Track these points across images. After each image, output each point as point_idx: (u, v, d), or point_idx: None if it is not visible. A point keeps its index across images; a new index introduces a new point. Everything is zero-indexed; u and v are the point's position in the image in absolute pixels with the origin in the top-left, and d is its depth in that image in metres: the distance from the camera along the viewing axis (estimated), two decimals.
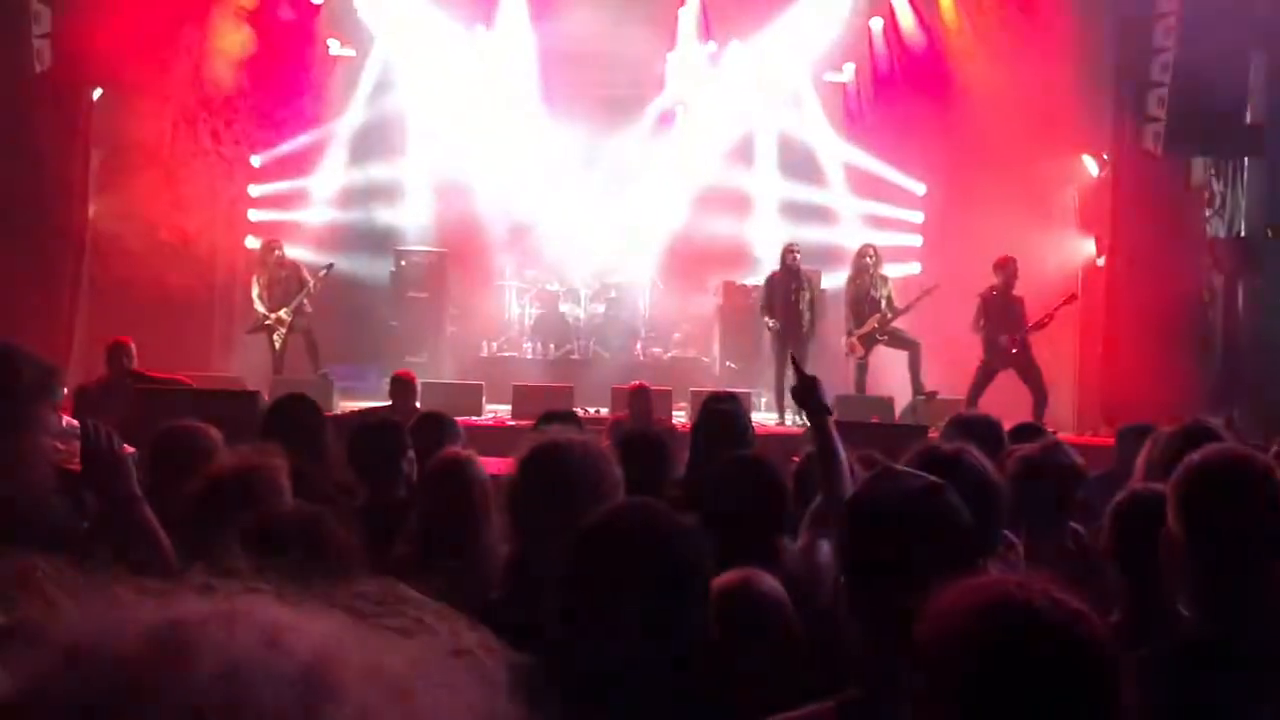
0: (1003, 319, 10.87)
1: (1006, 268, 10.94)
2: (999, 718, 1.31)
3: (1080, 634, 1.31)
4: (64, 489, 2.67)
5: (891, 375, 11.89)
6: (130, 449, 2.74)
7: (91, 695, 0.59)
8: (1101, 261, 12.26)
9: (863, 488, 2.03)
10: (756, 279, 13.87)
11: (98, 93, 11.72)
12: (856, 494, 2.04)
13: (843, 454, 3.25)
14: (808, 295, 11.71)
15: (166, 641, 0.61)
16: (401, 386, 7.81)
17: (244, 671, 0.60)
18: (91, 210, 11.97)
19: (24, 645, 0.64)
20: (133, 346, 8.34)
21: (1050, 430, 4.75)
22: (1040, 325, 10.90)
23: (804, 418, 3.81)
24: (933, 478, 1.96)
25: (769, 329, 11.78)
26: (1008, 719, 1.31)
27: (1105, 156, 12.33)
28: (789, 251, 11.77)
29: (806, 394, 3.50)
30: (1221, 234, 11.63)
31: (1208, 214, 11.75)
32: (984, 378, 10.79)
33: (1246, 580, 2.05)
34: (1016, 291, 10.98)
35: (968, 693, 1.32)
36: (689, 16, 13.99)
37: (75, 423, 2.73)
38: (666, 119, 14.57)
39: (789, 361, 4.04)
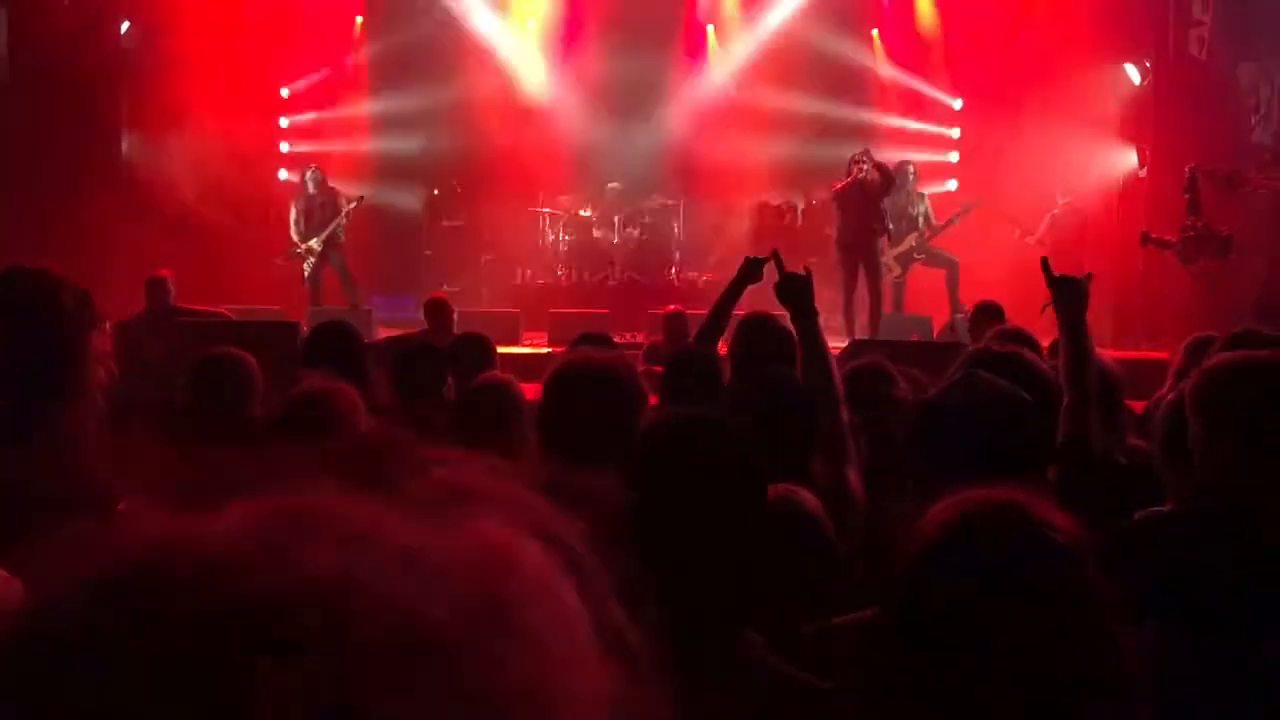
0: None
1: None
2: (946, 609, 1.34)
3: (1036, 540, 1.33)
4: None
5: (929, 293, 11.79)
6: None
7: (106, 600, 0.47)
8: (1144, 173, 12.02)
9: (945, 390, 2.03)
10: (790, 198, 13.73)
11: (125, 26, 11.68)
12: (939, 396, 2.04)
13: (834, 362, 3.15)
14: (880, 208, 10.80)
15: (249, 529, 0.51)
16: (437, 309, 7.80)
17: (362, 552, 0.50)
18: (125, 146, 12.00)
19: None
20: (171, 281, 8.40)
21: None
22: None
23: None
24: (1014, 387, 1.96)
25: (835, 241, 11.03)
26: (955, 606, 1.33)
27: (1147, 64, 12.02)
28: (855, 162, 10.82)
29: (793, 293, 3.23)
30: (1268, 142, 11.34)
31: (1254, 121, 11.44)
32: None
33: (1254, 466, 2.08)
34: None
35: (911, 580, 1.36)
36: None
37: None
38: (696, 39, 14.35)
39: (774, 256, 3.56)
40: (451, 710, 0.48)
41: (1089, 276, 3.15)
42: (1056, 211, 11.31)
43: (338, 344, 3.97)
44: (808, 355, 3.12)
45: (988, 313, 6.64)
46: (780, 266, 3.40)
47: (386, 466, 0.69)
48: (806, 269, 3.42)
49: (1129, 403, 3.96)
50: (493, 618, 0.51)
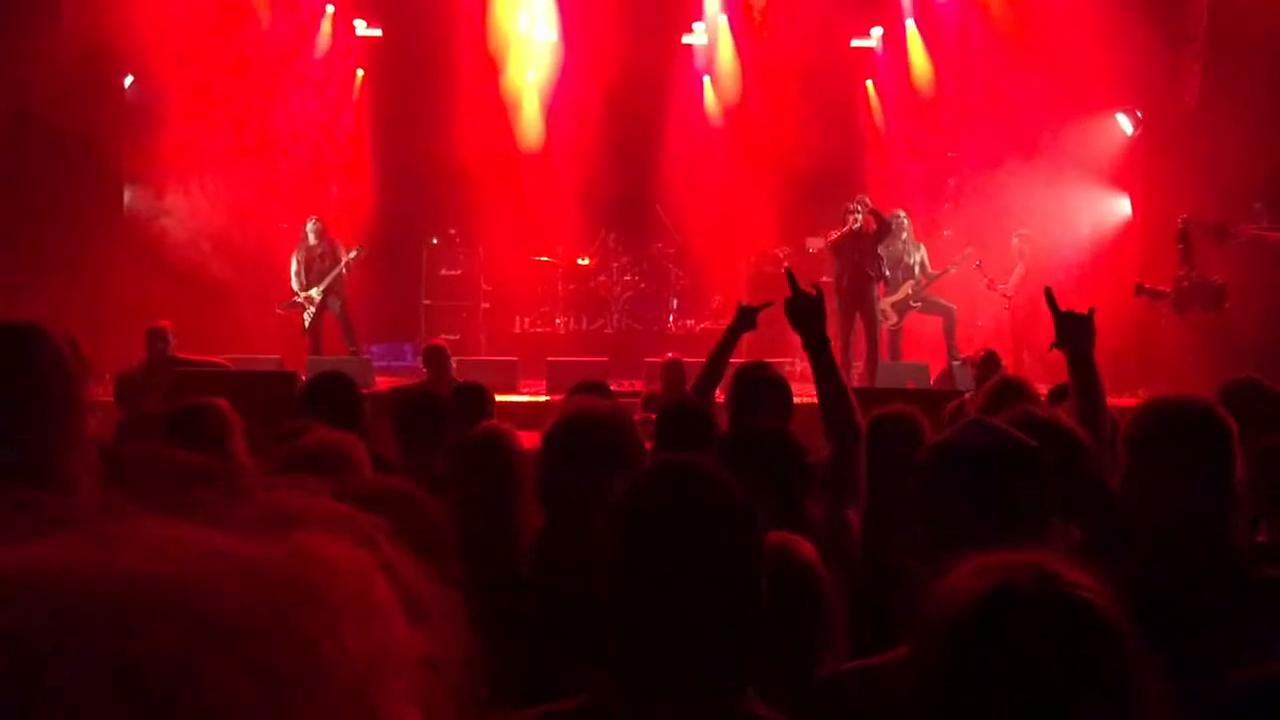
0: None
1: None
2: (975, 677, 1.27)
3: (1074, 606, 1.27)
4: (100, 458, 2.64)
5: (926, 340, 11.83)
6: None
7: None
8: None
9: (955, 434, 2.02)
10: (787, 247, 13.82)
11: (128, 81, 11.81)
12: (948, 440, 2.03)
13: (852, 394, 3.07)
14: (876, 255, 10.86)
15: None
16: (435, 357, 7.83)
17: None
18: (127, 198, 12.08)
19: None
20: (171, 331, 8.42)
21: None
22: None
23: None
24: (1022, 435, 1.97)
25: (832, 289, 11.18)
26: (983, 677, 1.27)
27: (1139, 114, 12.14)
28: (849, 211, 10.83)
29: (803, 315, 3.10)
30: (1258, 190, 11.40)
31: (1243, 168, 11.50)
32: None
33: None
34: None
35: (947, 654, 1.29)
36: None
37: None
38: (694, 90, 14.50)
39: (790, 280, 3.36)
40: (261, 690, 0.48)
41: (1092, 311, 3.02)
42: (1021, 270, 11.36)
43: (334, 394, 3.98)
44: (825, 387, 3.02)
45: (994, 361, 6.96)
46: (794, 283, 3.27)
47: (208, 497, 0.69)
48: (817, 288, 3.30)
49: None
50: (301, 598, 0.52)
